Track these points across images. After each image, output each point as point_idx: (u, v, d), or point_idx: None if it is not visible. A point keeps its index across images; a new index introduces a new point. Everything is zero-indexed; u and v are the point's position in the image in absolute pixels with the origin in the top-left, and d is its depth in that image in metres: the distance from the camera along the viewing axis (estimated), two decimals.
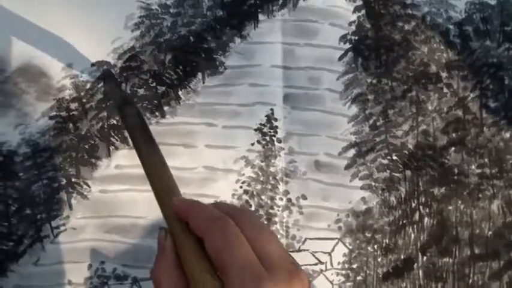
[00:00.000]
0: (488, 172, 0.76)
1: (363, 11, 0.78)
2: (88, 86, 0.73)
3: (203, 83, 0.76)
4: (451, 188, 0.75)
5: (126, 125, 0.51)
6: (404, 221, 0.75)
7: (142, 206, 0.72)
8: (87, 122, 0.73)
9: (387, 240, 0.74)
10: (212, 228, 0.43)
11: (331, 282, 0.73)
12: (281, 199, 0.74)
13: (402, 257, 0.74)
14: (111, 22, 0.75)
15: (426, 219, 0.75)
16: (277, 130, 0.75)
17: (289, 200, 0.74)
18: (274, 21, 0.77)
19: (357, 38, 0.77)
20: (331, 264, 0.73)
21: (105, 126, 0.73)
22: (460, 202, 0.75)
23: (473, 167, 0.76)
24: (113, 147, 0.73)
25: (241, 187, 0.74)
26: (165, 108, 0.75)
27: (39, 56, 0.73)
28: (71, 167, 0.72)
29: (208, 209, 0.46)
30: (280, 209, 0.74)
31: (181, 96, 0.75)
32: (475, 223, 0.75)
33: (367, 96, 0.77)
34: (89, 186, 0.72)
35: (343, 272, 0.73)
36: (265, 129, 0.75)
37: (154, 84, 0.74)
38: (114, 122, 0.73)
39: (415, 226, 0.75)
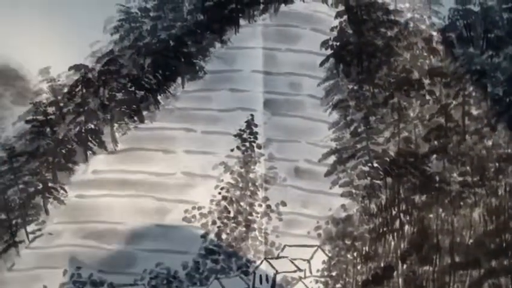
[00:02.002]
0: (470, 180, 0.75)
1: (345, 17, 0.77)
2: (65, 89, 0.72)
3: (183, 87, 0.75)
4: (432, 196, 0.75)
5: None
6: (384, 229, 0.74)
7: (120, 212, 0.71)
8: (64, 126, 0.72)
9: (367, 248, 0.74)
10: None
11: None
12: (260, 205, 0.73)
13: (382, 264, 0.73)
14: (89, 25, 0.74)
15: (407, 227, 0.74)
16: (257, 136, 0.74)
17: (268, 206, 0.73)
18: (255, 26, 0.76)
19: (338, 43, 0.77)
20: (310, 272, 0.73)
21: (83, 130, 0.73)
22: (441, 210, 0.75)
23: (455, 174, 0.75)
24: (90, 152, 0.72)
25: (220, 193, 0.73)
26: (144, 113, 0.74)
27: (16, 59, 0.72)
28: (48, 171, 0.71)
29: None
30: (259, 215, 0.73)
31: (161, 101, 0.74)
32: (456, 231, 0.74)
33: (348, 102, 0.76)
34: (65, 191, 0.72)
35: (322, 279, 0.73)
36: (245, 135, 0.74)
37: (133, 88, 0.74)
38: (92, 126, 0.73)
39: (395, 234, 0.74)
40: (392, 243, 0.74)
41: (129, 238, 0.71)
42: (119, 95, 0.73)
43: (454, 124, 0.76)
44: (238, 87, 0.75)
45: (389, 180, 0.75)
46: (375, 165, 0.75)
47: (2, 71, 0.72)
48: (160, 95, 0.74)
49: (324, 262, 0.73)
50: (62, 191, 0.72)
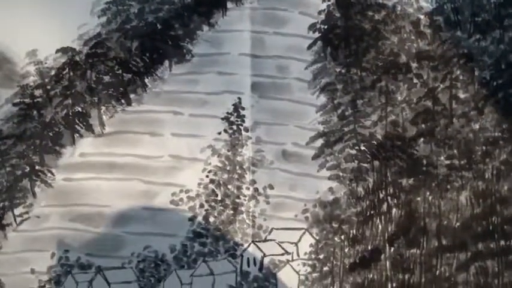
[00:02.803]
0: (457, 163, 0.75)
1: (333, 0, 0.77)
2: (53, 72, 0.72)
3: (170, 70, 0.75)
4: (419, 179, 0.75)
5: None
6: (372, 212, 0.74)
7: (107, 195, 0.71)
8: (51, 109, 0.72)
9: (354, 231, 0.74)
10: None
11: (297, 272, 0.73)
12: (248, 188, 0.73)
13: (369, 247, 0.74)
14: (77, 8, 0.74)
15: (394, 210, 0.74)
16: (245, 119, 0.75)
17: (256, 189, 0.73)
18: (242, 9, 0.76)
19: (326, 27, 0.77)
20: (298, 255, 0.73)
21: (70, 113, 0.72)
22: (428, 193, 0.75)
23: (442, 158, 0.75)
24: (77, 134, 0.72)
25: (207, 176, 0.73)
26: (131, 96, 0.74)
27: (3, 42, 0.72)
28: (35, 154, 0.71)
29: None
30: (246, 198, 0.73)
31: (148, 83, 0.74)
32: (443, 214, 0.75)
33: (335, 85, 0.76)
34: (53, 174, 0.72)
35: (310, 262, 0.73)
36: (233, 118, 0.74)
37: (120, 71, 0.73)
38: (79, 109, 0.73)
39: (382, 217, 0.74)
40: (380, 226, 0.74)
41: (116, 221, 0.71)
42: (106, 78, 0.73)
43: (442, 107, 0.76)
44: (226, 70, 0.75)
45: (376, 163, 0.75)
46: (362, 148, 0.75)
47: None
48: (147, 78, 0.74)
49: (311, 245, 0.73)
50: (49, 174, 0.71)
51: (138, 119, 0.73)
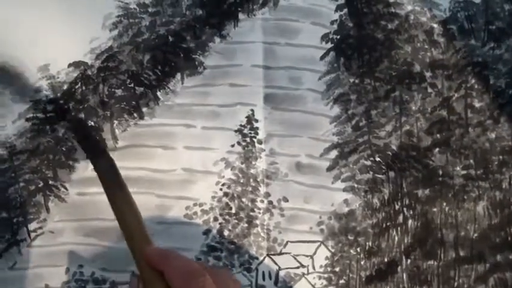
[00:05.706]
0: (473, 173, 0.75)
1: (345, 10, 0.77)
2: (65, 87, 0.72)
3: (182, 83, 0.74)
4: (435, 190, 0.74)
5: (99, 174, 0.52)
6: (387, 224, 0.73)
7: None
8: (64, 124, 0.72)
9: (370, 243, 0.73)
10: (189, 285, 0.43)
11: (313, 285, 0.72)
12: (262, 201, 0.73)
13: (386, 260, 0.73)
14: (88, 22, 0.74)
15: (410, 221, 0.74)
16: (258, 131, 0.74)
17: (270, 202, 0.73)
18: (254, 20, 0.76)
19: (339, 37, 0.76)
20: (313, 268, 0.72)
21: None
22: (444, 204, 0.74)
23: (458, 168, 0.75)
24: None
25: (221, 189, 0.73)
26: (144, 109, 0.73)
27: (15, 57, 0.72)
28: (48, 169, 0.71)
29: (185, 263, 0.46)
30: (261, 211, 0.73)
31: (160, 97, 0.74)
32: (460, 225, 0.74)
33: (349, 96, 0.75)
34: (66, 189, 0.71)
35: (326, 275, 0.72)
36: (246, 131, 0.74)
37: (132, 84, 0.73)
38: (92, 123, 0.72)
39: (398, 228, 0.73)
40: (396, 238, 0.73)
41: None
42: (119, 92, 0.73)
43: (457, 117, 0.76)
44: (238, 82, 0.75)
45: (391, 174, 0.74)
46: (377, 159, 0.74)
47: (1, 68, 0.71)
48: (159, 91, 0.74)
49: (327, 258, 0.73)
50: (62, 189, 0.71)
51: (151, 132, 0.73)
